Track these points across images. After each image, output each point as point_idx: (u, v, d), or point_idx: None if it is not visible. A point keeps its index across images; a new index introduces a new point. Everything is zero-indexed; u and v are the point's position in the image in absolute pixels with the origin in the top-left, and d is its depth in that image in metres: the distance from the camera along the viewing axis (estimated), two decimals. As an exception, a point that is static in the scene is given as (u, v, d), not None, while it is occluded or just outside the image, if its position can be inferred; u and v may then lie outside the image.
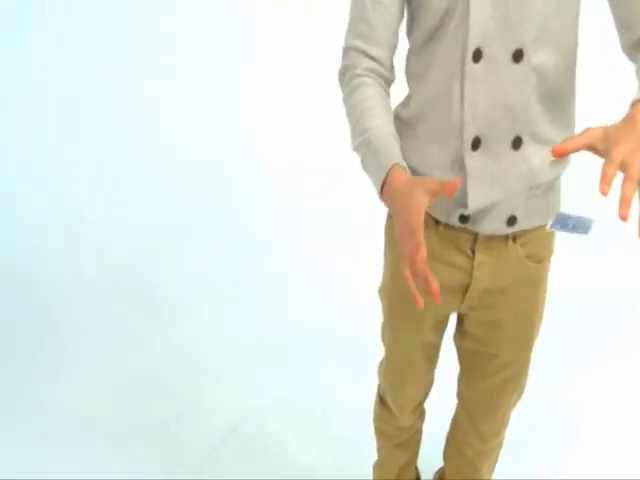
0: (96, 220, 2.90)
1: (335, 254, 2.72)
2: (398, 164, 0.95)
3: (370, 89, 1.05)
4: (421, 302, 0.84)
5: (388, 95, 1.09)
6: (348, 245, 2.71)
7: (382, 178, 0.95)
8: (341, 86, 1.11)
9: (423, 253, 0.82)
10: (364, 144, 1.01)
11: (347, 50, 1.10)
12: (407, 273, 0.85)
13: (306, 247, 2.77)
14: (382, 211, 1.33)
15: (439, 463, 1.69)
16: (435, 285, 0.82)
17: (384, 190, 0.95)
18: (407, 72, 1.14)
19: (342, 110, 1.10)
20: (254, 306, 2.55)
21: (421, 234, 0.84)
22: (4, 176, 2.98)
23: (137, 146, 2.99)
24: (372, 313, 1.49)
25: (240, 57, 3.04)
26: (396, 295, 1.30)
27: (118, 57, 2.97)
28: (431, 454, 1.72)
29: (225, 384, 2.23)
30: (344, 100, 1.09)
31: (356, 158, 1.05)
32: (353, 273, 2.54)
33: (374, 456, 1.71)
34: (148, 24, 2.96)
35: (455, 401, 1.49)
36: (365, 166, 1.02)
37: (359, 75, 1.06)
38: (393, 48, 1.09)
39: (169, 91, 2.98)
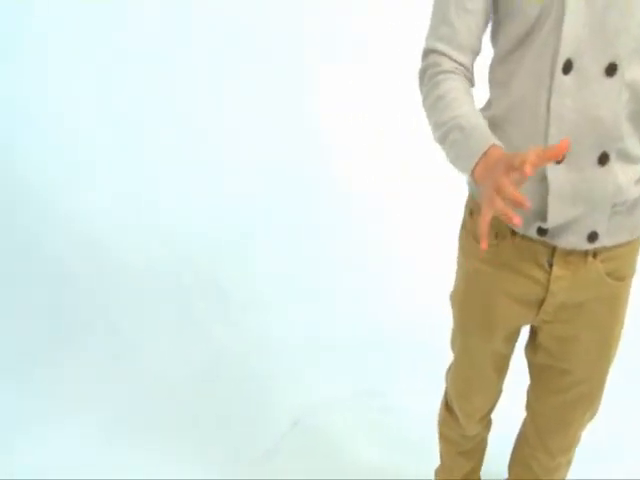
0: (170, 215, 2.92)
1: (410, 256, 2.70)
2: (495, 144, 0.92)
3: (455, 82, 1.02)
4: (517, 219, 0.77)
5: (472, 94, 1.05)
6: (424, 247, 2.69)
7: (479, 156, 0.91)
8: (421, 85, 1.08)
9: (528, 171, 0.76)
10: (454, 128, 0.97)
11: (427, 52, 1.08)
12: (486, 209, 0.81)
13: (382, 247, 2.76)
14: (459, 216, 1.32)
15: (503, 473, 1.66)
16: (527, 203, 0.77)
17: (477, 168, 0.91)
18: (490, 79, 1.12)
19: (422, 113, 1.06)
20: (323, 305, 2.56)
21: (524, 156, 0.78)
22: (85, 181, 3.03)
23: (215, 146, 3.03)
24: (443, 317, 1.48)
25: (320, 63, 3.00)
26: (467, 304, 1.29)
27: (202, 58, 3.01)
28: (496, 464, 1.70)
29: (289, 379, 2.25)
30: (425, 95, 1.06)
31: (441, 154, 1.01)
32: (426, 275, 2.52)
33: (436, 459, 1.71)
34: (229, 28, 2.98)
35: (523, 412, 1.46)
36: (455, 151, 0.98)
37: (443, 72, 1.04)
38: (475, 54, 1.07)
39: (250, 94, 3.00)
